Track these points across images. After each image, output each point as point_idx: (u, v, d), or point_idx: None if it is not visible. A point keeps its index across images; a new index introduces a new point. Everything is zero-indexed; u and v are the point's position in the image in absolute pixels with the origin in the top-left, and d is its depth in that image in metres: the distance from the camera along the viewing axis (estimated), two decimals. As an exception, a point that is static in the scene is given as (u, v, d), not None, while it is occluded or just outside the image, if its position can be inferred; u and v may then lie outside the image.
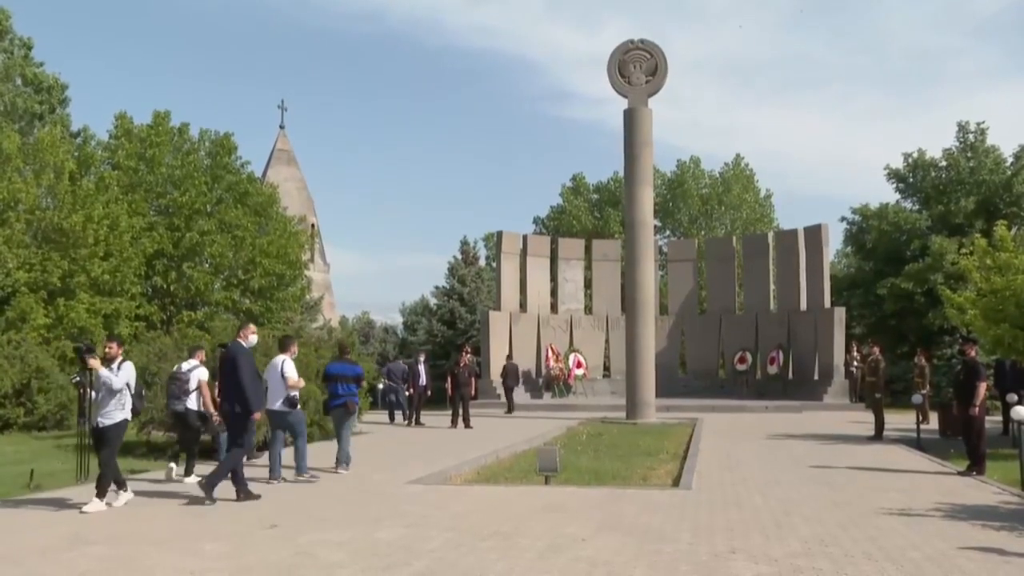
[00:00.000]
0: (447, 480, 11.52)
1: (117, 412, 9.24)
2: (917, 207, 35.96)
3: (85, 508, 8.92)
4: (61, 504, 9.46)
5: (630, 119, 22.79)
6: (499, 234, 31.96)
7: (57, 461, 13.83)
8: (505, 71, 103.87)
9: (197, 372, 11.79)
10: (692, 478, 11.06)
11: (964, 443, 12.50)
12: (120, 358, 9.47)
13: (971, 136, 35.27)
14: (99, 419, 9.24)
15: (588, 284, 34.53)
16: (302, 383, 11.52)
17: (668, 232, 49.65)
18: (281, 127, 44.98)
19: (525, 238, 32.92)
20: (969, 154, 35.02)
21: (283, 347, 11.60)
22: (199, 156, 30.81)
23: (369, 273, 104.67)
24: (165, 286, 28.66)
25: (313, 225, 43.45)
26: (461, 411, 20.45)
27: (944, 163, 35.46)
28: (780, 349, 29.45)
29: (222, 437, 11.27)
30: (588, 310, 33.55)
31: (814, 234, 29.69)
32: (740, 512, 8.74)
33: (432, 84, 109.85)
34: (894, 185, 36.98)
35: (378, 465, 12.87)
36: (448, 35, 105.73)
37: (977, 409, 12.10)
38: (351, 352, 13.87)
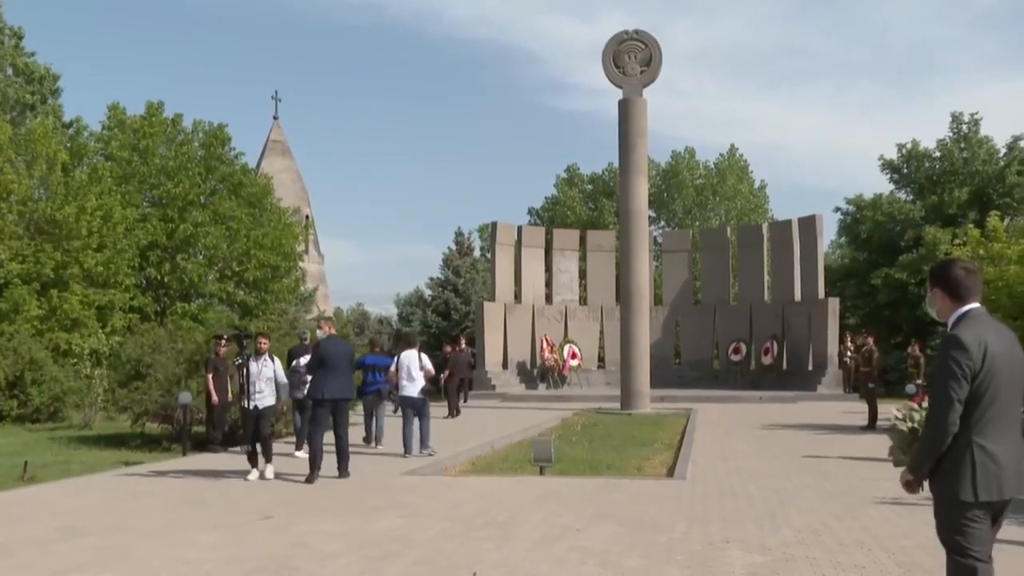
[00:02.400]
0: (442, 471, 11.53)
1: (269, 396, 10.84)
2: (911, 198, 36.06)
3: (267, 475, 10.47)
4: (55, 495, 9.46)
5: (625, 110, 22.76)
6: (494, 225, 31.95)
7: (50, 453, 13.84)
8: (500, 62, 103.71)
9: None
10: (687, 468, 11.08)
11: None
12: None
13: (965, 127, 35.36)
14: (255, 402, 10.67)
15: (583, 275, 34.55)
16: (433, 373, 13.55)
17: (663, 223, 49.69)
18: (275, 118, 44.84)
19: (520, 229, 32.91)
20: (963, 145, 35.11)
21: (412, 343, 13.65)
22: (193, 147, 30.76)
23: (364, 264, 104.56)
24: (159, 278, 28.61)
25: (307, 216, 43.36)
26: (461, 396, 20.46)
27: (938, 154, 35.55)
28: (774, 339, 29.51)
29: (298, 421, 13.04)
30: (583, 301, 33.58)
31: (808, 225, 29.72)
32: (734, 502, 8.77)
33: (427, 75, 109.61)
34: (888, 176, 37.08)
35: (373, 456, 12.88)
36: (444, 26, 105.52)
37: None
38: (379, 345, 15.96)
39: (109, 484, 10.36)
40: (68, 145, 27.79)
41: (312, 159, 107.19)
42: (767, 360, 29.57)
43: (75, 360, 22.51)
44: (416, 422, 12.97)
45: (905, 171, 36.47)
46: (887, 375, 25.23)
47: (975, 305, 3.77)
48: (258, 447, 10.58)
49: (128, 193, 27.88)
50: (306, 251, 39.39)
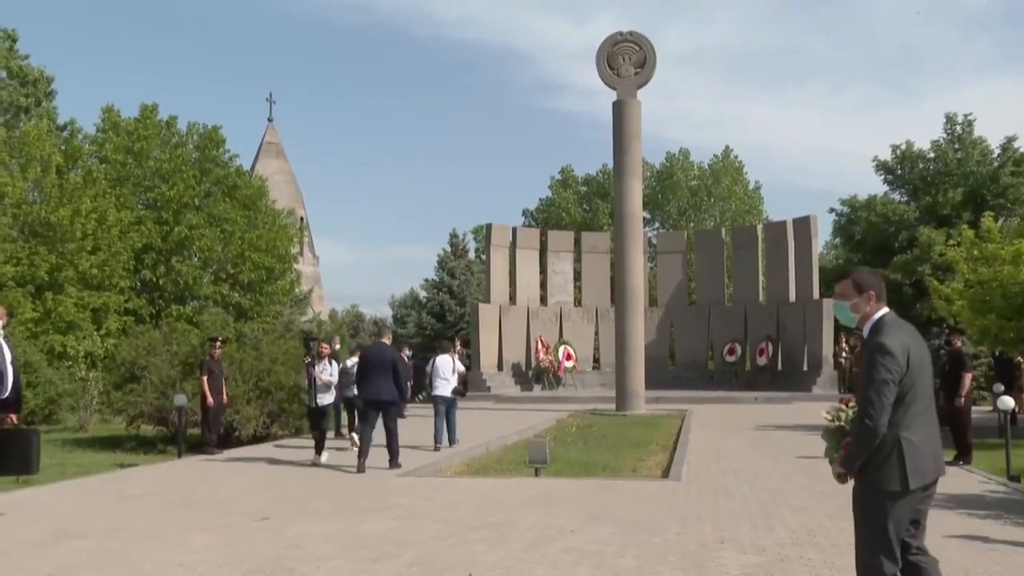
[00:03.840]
0: (437, 472, 11.54)
1: (328, 396, 12.57)
2: (905, 199, 36.17)
3: (319, 459, 12.02)
4: (50, 498, 9.45)
5: (619, 111, 22.78)
6: (488, 227, 31.93)
7: (45, 455, 13.72)
8: (495, 63, 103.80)
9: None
10: (681, 469, 11.10)
11: (951, 433, 12.58)
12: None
13: (959, 128, 35.48)
14: (317, 401, 12.45)
15: (577, 276, 34.55)
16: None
17: (657, 224, 49.71)
18: (269, 120, 44.93)
19: (514, 230, 32.90)
20: (957, 146, 35.22)
21: (445, 348, 14.97)
22: (187, 149, 30.66)
23: (358, 266, 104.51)
24: (154, 280, 28.54)
25: (302, 218, 43.38)
26: None
27: (932, 155, 35.65)
28: (769, 340, 29.53)
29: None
30: (578, 302, 33.58)
31: (803, 226, 29.75)
32: (729, 502, 8.79)
33: (421, 76, 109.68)
34: (882, 177, 37.19)
35: (368, 457, 12.86)
36: (437, 26, 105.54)
37: (963, 400, 12.16)
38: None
39: (104, 486, 10.35)
40: (62, 148, 27.72)
41: (306, 160, 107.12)
42: (762, 361, 29.59)
43: (70, 363, 22.45)
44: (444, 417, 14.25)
45: (899, 172, 36.58)
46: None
47: (888, 309, 4.18)
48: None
49: (123, 195, 27.81)
50: (301, 253, 39.44)
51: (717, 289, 32.47)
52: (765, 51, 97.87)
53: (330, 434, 14.06)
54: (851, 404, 4.33)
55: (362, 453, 11.45)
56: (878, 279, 4.27)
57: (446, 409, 14.25)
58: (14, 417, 8.24)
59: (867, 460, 3.96)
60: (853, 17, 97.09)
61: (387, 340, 12.70)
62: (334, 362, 12.89)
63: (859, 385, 4.09)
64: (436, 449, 13.54)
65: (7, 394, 7.93)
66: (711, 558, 6.42)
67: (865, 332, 4.19)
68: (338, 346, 11.96)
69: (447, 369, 14.49)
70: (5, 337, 8.03)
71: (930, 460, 4.00)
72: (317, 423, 12.53)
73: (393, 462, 11.53)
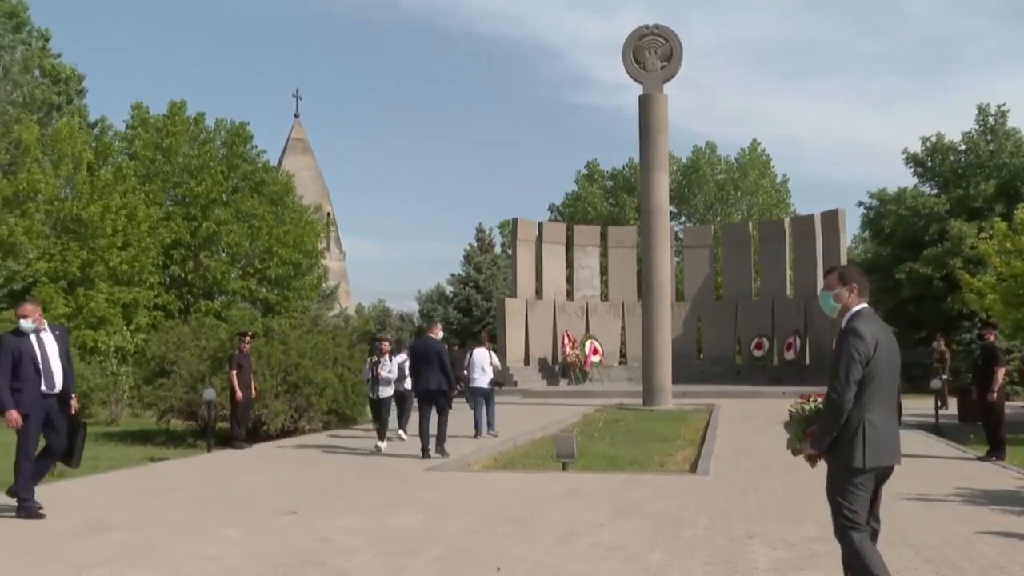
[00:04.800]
0: (465, 467, 11.57)
1: (388, 389, 13.65)
2: (935, 191, 35.70)
3: (382, 447, 12.81)
4: (83, 490, 9.56)
5: (645, 105, 22.68)
6: (514, 221, 31.96)
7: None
8: (521, 57, 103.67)
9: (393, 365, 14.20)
10: (709, 464, 11.05)
11: (983, 428, 12.42)
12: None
13: (991, 119, 34.96)
14: (379, 393, 13.55)
15: (604, 271, 34.49)
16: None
17: (684, 218, 49.48)
18: (296, 116, 45.07)
19: (540, 225, 32.89)
20: (989, 137, 34.70)
21: (481, 342, 15.83)
22: (215, 146, 30.95)
23: (385, 261, 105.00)
24: (183, 275, 28.83)
25: (329, 214, 43.55)
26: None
27: (963, 146, 35.15)
28: (797, 335, 29.34)
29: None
30: (604, 297, 33.53)
31: (831, 219, 29.50)
32: (757, 497, 8.73)
33: (448, 71, 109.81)
34: (912, 169, 36.72)
35: (395, 451, 12.93)
36: (464, 21, 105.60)
37: (996, 394, 11.99)
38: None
39: (135, 480, 10.47)
40: (93, 145, 28.03)
41: (333, 156, 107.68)
42: (789, 355, 29.41)
43: (101, 357, 22.73)
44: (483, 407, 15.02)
45: (929, 164, 36.11)
46: (912, 370, 24.97)
47: (866, 304, 4.62)
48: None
49: (152, 192, 28.12)
50: (327, 248, 39.62)
51: (744, 283, 32.29)
52: (793, 43, 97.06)
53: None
54: (812, 399, 4.75)
55: (423, 441, 12.05)
56: (863, 277, 4.71)
57: (484, 400, 14.91)
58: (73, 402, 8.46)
59: (835, 440, 4.41)
60: (882, 7, 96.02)
61: (435, 333, 13.09)
62: (393, 358, 13.89)
63: (830, 366, 4.53)
64: (475, 437, 14.28)
65: (57, 389, 8.11)
66: (740, 553, 6.39)
67: (843, 322, 4.58)
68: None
69: (484, 362, 15.20)
70: (57, 335, 8.23)
71: (888, 445, 4.46)
72: (378, 414, 13.53)
73: (440, 448, 12.03)
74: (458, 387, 15.12)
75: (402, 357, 14.26)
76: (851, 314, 4.57)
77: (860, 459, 4.37)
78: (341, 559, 6.34)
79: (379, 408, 13.61)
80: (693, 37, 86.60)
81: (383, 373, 13.56)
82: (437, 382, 12.19)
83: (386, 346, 13.96)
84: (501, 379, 16.44)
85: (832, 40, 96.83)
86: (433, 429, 12.14)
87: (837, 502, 4.49)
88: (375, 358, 13.84)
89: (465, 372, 15.60)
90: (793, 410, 4.80)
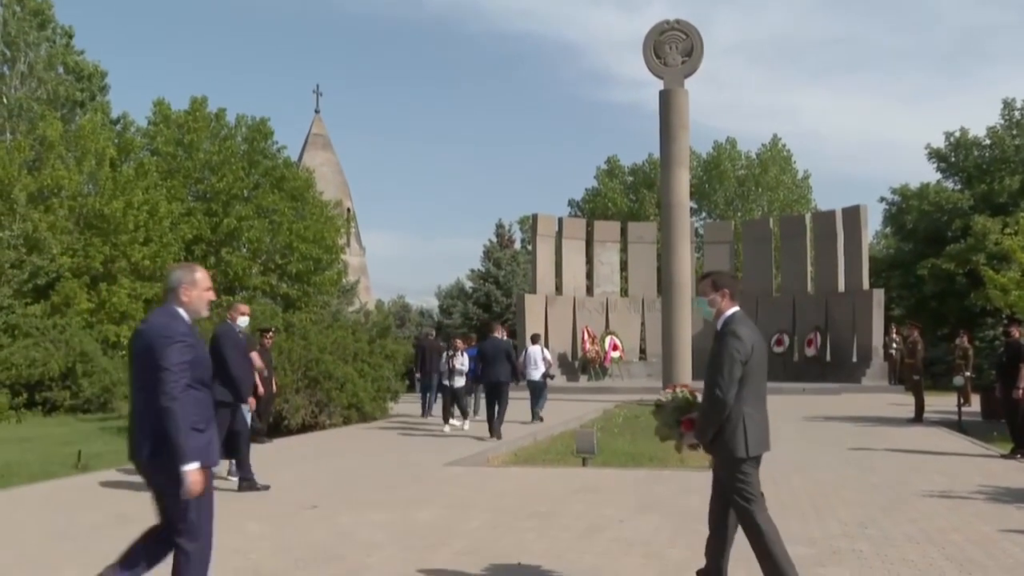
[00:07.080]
0: (485, 462, 11.60)
1: (460, 379, 15.17)
2: (959, 187, 35.37)
3: (464, 427, 15.04)
4: (108, 483, 9.67)
5: (666, 100, 22.63)
6: (534, 217, 31.93)
7: (101, 442, 14.12)
8: (542, 54, 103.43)
9: (465, 359, 15.68)
10: (730, 460, 11.00)
11: (1007, 426, 12.32)
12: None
13: (1017, 113, 34.59)
14: (453, 382, 15.14)
15: (624, 266, 34.41)
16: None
17: (704, 214, 49.30)
18: (316, 112, 45.17)
19: (560, 221, 32.85)
20: (1014, 132, 34.35)
21: (535, 340, 17.88)
22: (236, 141, 31.12)
23: (405, 256, 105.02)
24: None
25: (349, 209, 43.62)
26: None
27: (988, 141, 34.81)
28: (818, 331, 29.16)
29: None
30: (624, 292, 33.46)
31: (852, 215, 29.29)
32: (778, 493, 8.68)
33: (467, 67, 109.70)
34: (935, 165, 36.41)
35: (416, 446, 12.99)
36: (485, 18, 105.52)
37: (1021, 391, 11.88)
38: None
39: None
40: (115, 141, 28.28)
41: (353, 152, 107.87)
42: (810, 352, 29.24)
43: (123, 352, 22.94)
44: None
45: (953, 159, 35.79)
46: (933, 367, 24.81)
47: (739, 308, 5.01)
48: (455, 410, 15.39)
49: (173, 187, 28.32)
50: (347, 244, 39.71)
51: (765, 280, 32.12)
52: (815, 39, 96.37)
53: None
54: (678, 389, 5.30)
55: (490, 423, 13.97)
56: (734, 280, 5.18)
57: (537, 391, 16.85)
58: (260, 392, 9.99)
59: (719, 432, 4.79)
60: (908, 2, 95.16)
61: (499, 333, 15.00)
62: (466, 353, 15.51)
63: (709, 365, 4.86)
64: (531, 422, 16.02)
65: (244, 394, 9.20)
66: (761, 550, 6.36)
67: (719, 325, 4.95)
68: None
69: (537, 357, 17.14)
70: (259, 342, 9.04)
71: (765, 435, 4.90)
72: (457, 399, 15.33)
73: (495, 432, 13.70)
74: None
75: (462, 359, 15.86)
76: (727, 317, 4.95)
77: (743, 449, 4.77)
78: (363, 553, 6.39)
79: (452, 395, 15.37)
80: (717, 33, 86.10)
81: (457, 365, 15.11)
82: (504, 374, 14.21)
83: (459, 344, 15.66)
84: (552, 373, 18.68)
85: (857, 36, 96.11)
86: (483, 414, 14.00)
87: (733, 488, 4.86)
88: (451, 352, 15.45)
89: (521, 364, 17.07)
90: (663, 399, 5.25)
